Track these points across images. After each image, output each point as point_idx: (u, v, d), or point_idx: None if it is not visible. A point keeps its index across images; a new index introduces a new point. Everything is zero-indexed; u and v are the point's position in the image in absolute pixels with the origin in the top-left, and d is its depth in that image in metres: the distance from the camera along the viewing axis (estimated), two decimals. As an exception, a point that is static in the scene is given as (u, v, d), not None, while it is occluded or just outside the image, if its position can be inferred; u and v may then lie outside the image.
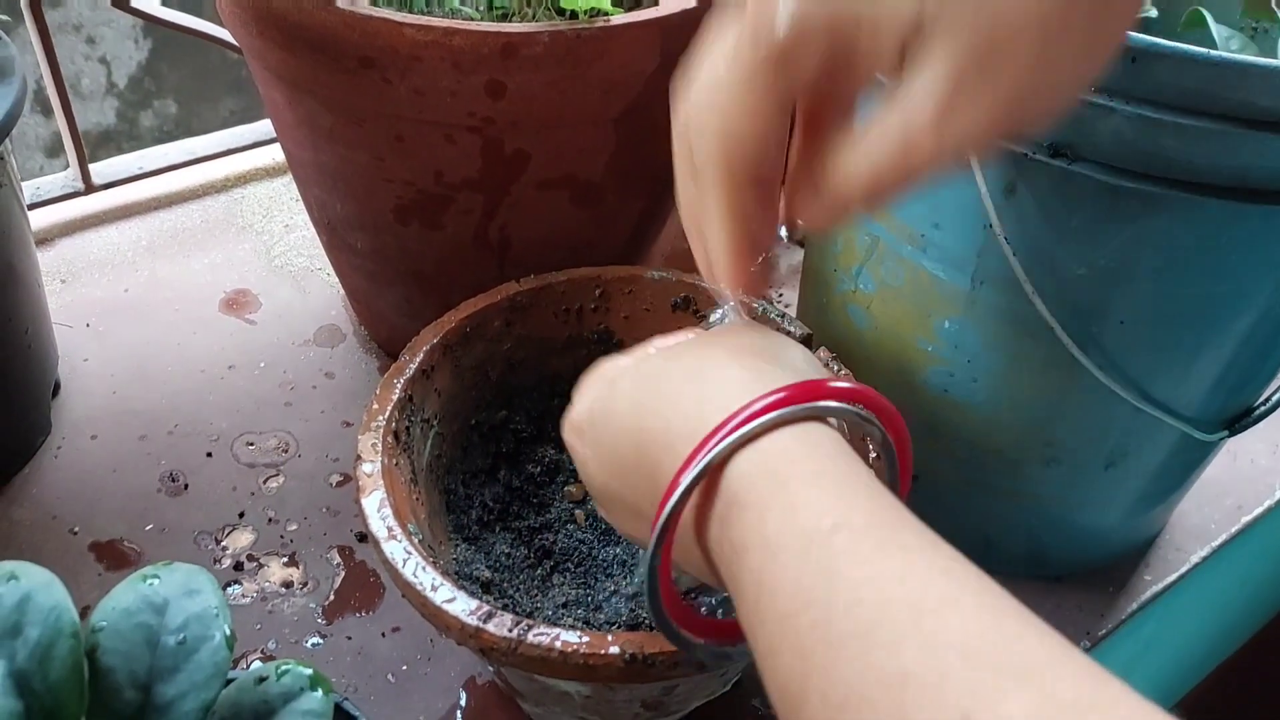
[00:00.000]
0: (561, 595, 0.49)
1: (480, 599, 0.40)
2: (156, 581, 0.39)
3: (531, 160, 0.54)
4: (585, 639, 0.38)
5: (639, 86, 0.53)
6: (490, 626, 0.39)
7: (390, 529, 0.42)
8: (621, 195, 0.59)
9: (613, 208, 0.59)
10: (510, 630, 0.39)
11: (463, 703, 0.54)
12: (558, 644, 0.38)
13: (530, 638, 0.38)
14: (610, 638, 0.38)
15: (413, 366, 0.50)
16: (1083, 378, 0.51)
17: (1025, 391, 0.53)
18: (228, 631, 0.38)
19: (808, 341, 0.54)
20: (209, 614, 0.38)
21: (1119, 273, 0.47)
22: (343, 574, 0.60)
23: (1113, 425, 0.54)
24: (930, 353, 0.54)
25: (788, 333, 0.54)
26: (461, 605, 0.39)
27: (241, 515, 0.62)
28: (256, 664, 0.54)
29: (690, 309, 0.57)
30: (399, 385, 0.49)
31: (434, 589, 0.40)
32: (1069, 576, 0.63)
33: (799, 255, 0.84)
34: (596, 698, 0.43)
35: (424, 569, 0.41)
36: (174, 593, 0.39)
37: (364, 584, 0.59)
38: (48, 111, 1.66)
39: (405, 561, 0.41)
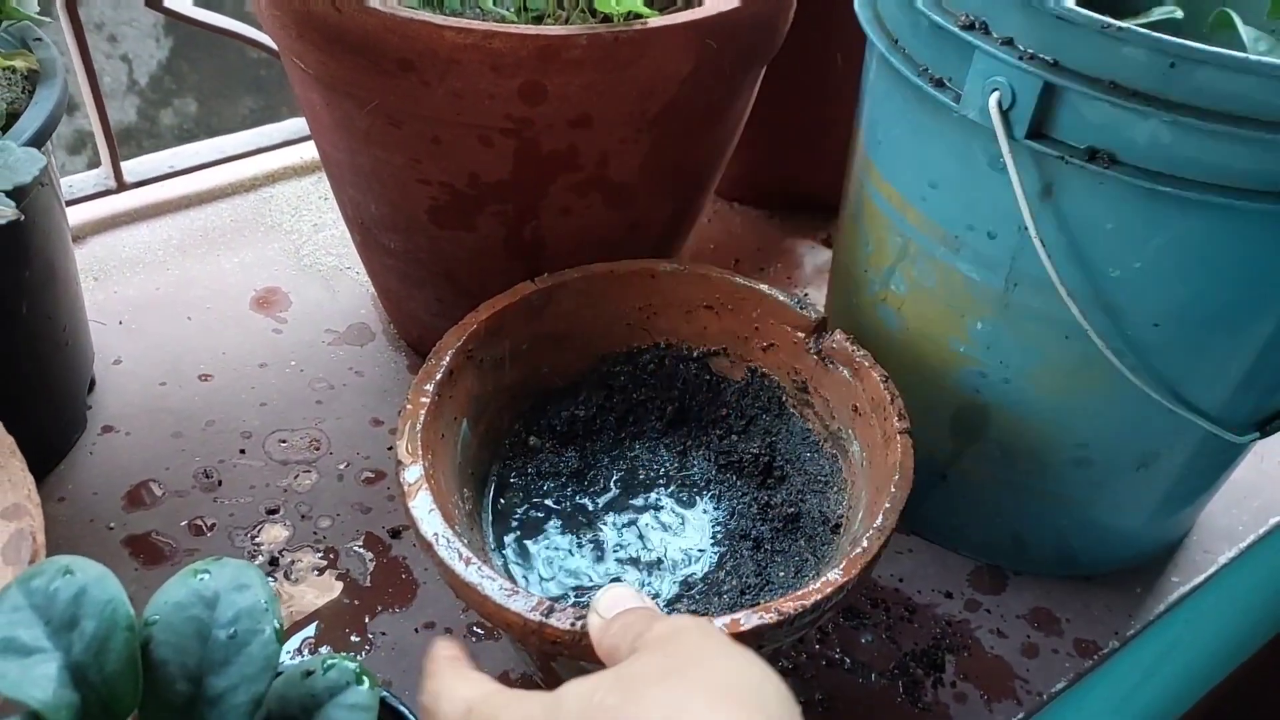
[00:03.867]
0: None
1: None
2: (207, 576, 0.39)
3: (566, 162, 0.55)
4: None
5: (674, 89, 0.54)
6: (553, 620, 0.39)
7: (441, 532, 0.43)
8: (653, 197, 0.60)
9: (644, 209, 0.60)
10: (574, 623, 0.39)
11: (497, 698, 0.54)
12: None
13: None
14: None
15: (440, 370, 0.50)
16: (1115, 380, 0.51)
17: (1057, 393, 0.53)
18: (277, 625, 0.39)
19: (822, 325, 0.54)
20: (259, 608, 0.39)
21: (1154, 275, 0.47)
22: (376, 570, 0.60)
23: (1144, 427, 0.54)
24: (962, 354, 0.55)
25: (805, 318, 0.54)
26: (522, 602, 0.40)
27: (274, 511, 0.63)
28: (301, 658, 0.55)
29: (706, 305, 0.57)
30: (429, 389, 0.49)
31: (494, 588, 0.41)
32: (1097, 576, 0.63)
33: (825, 255, 0.84)
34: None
35: (480, 569, 0.41)
36: (224, 587, 0.39)
37: (396, 579, 0.60)
38: (71, 109, 1.67)
39: (462, 562, 0.42)
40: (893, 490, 0.46)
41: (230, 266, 0.79)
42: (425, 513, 0.44)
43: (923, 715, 0.56)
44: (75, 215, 0.81)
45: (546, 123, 0.52)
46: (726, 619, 0.40)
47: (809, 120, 0.82)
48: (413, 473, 0.46)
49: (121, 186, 0.81)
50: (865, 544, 0.44)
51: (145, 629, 0.38)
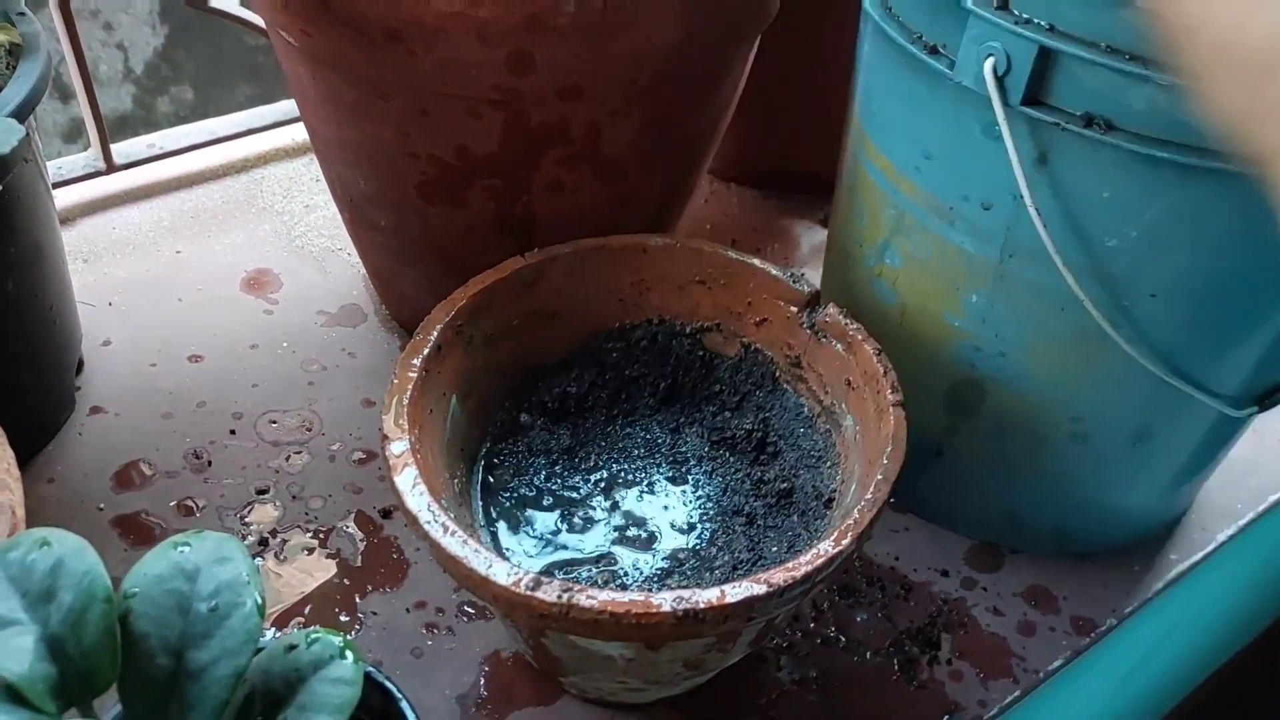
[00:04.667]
0: (587, 574, 0.49)
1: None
2: (188, 549, 0.39)
3: (556, 135, 0.54)
4: (635, 598, 0.38)
5: (664, 59, 0.53)
6: (540, 594, 0.39)
7: (427, 505, 0.42)
8: (645, 171, 0.59)
9: (636, 184, 0.59)
10: (560, 595, 0.39)
11: (487, 678, 0.54)
12: (608, 606, 0.38)
13: (581, 601, 0.38)
14: (659, 596, 0.39)
15: (428, 346, 0.50)
16: (1112, 352, 0.50)
17: (1053, 366, 0.53)
18: (259, 599, 0.38)
19: (815, 300, 0.54)
20: (240, 581, 0.38)
21: (1151, 245, 0.47)
22: (367, 550, 0.60)
23: (1141, 401, 0.53)
24: (957, 327, 0.54)
25: (798, 292, 0.54)
26: (508, 574, 0.40)
27: (265, 492, 0.62)
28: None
29: (698, 280, 0.56)
30: (416, 364, 0.49)
31: (479, 561, 0.40)
32: (1094, 554, 0.63)
33: (822, 235, 0.83)
34: (640, 659, 0.43)
35: (465, 542, 0.41)
36: (205, 560, 0.39)
37: (388, 560, 0.59)
38: (66, 97, 1.66)
39: (446, 535, 0.41)
40: (885, 462, 0.45)
41: (221, 248, 0.79)
42: (410, 486, 0.43)
43: (918, 693, 0.55)
44: (64, 197, 0.80)
45: (535, 94, 0.52)
46: (715, 591, 0.40)
47: (804, 98, 0.81)
48: (398, 447, 0.45)
49: (111, 168, 0.81)
50: (857, 515, 0.43)
51: (124, 601, 0.37)
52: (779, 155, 0.85)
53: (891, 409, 0.47)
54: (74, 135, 1.65)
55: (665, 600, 0.39)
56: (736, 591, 0.40)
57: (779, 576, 0.40)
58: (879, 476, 0.45)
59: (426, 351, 0.49)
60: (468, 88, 0.52)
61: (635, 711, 0.53)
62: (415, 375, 0.48)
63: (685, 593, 0.40)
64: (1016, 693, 0.56)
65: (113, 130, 0.81)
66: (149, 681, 0.36)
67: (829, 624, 0.58)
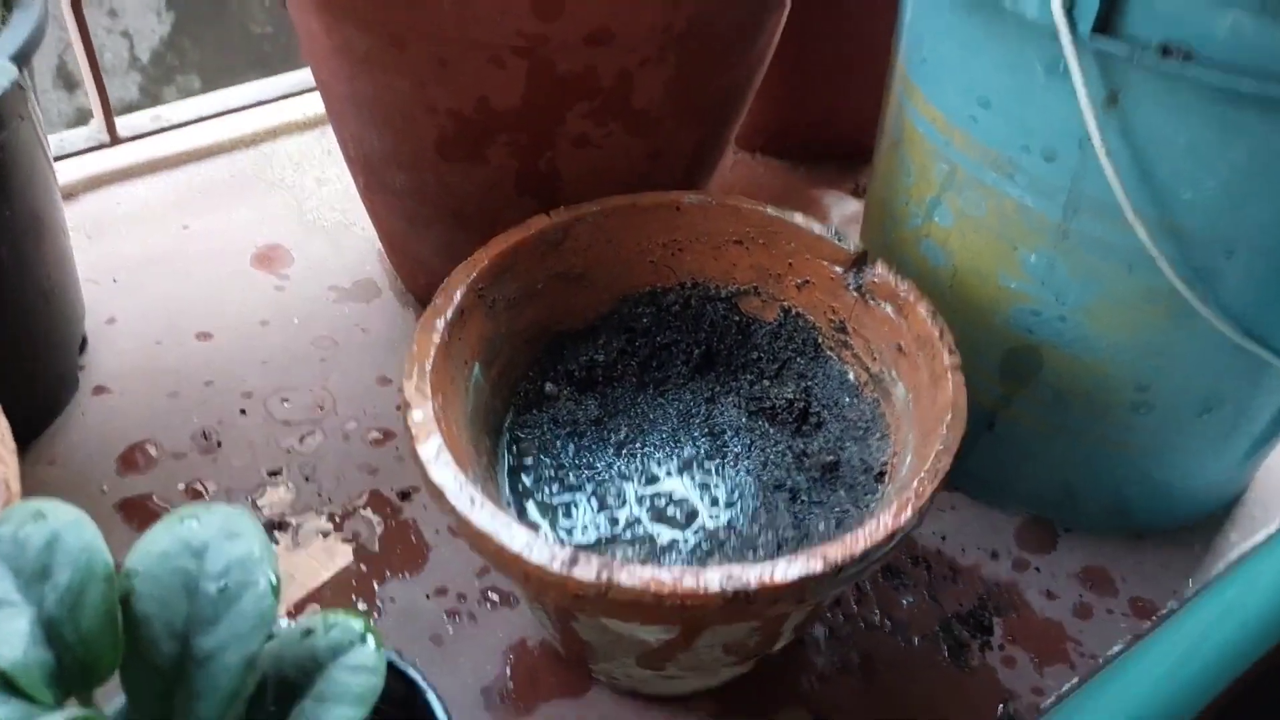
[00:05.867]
0: (623, 554, 0.46)
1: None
2: (195, 524, 0.35)
3: (584, 85, 0.51)
4: (680, 576, 0.35)
5: (699, 3, 0.49)
6: (577, 571, 0.36)
7: (454, 475, 0.39)
8: (677, 126, 0.55)
9: (669, 138, 0.56)
10: (599, 573, 0.35)
11: (513, 667, 0.51)
12: (651, 584, 0.35)
13: (621, 579, 0.35)
14: (707, 574, 0.35)
15: (450, 308, 0.46)
16: (1183, 314, 0.47)
17: (1118, 330, 0.49)
18: (273, 579, 0.35)
19: (862, 259, 0.50)
20: (251, 559, 0.35)
21: (1230, 197, 0.43)
22: (385, 534, 0.57)
23: (1211, 367, 0.50)
24: (1014, 290, 0.51)
25: (843, 251, 0.50)
26: (543, 551, 0.36)
27: (277, 473, 0.59)
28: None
29: (735, 240, 0.53)
30: (439, 327, 0.46)
31: (511, 536, 0.37)
32: (1152, 533, 0.59)
33: (854, 206, 0.80)
34: (678, 643, 0.40)
35: (496, 514, 0.38)
36: (214, 536, 0.35)
37: (406, 543, 0.56)
38: (71, 86, 1.64)
39: (474, 508, 0.38)
40: (944, 431, 0.42)
41: (230, 223, 0.76)
42: (434, 456, 0.40)
43: (969, 679, 0.52)
44: (66, 171, 0.77)
45: (562, 40, 0.48)
46: (766, 568, 0.37)
47: (835, 63, 0.78)
48: (421, 414, 0.42)
49: (115, 141, 0.78)
50: (916, 487, 0.40)
51: (126, 581, 0.34)
52: (808, 123, 0.82)
53: (950, 374, 0.44)
54: (80, 124, 1.62)
55: (714, 578, 0.36)
56: (791, 569, 0.36)
57: (836, 553, 0.37)
58: (939, 446, 0.41)
59: (448, 315, 0.46)
60: (490, 34, 0.48)
61: (670, 703, 0.50)
62: (437, 339, 0.45)
63: (735, 570, 0.36)
64: (1074, 680, 0.53)
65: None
66: (153, 669, 0.33)
67: (872, 607, 0.55)
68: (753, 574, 0.36)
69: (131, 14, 1.75)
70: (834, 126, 0.81)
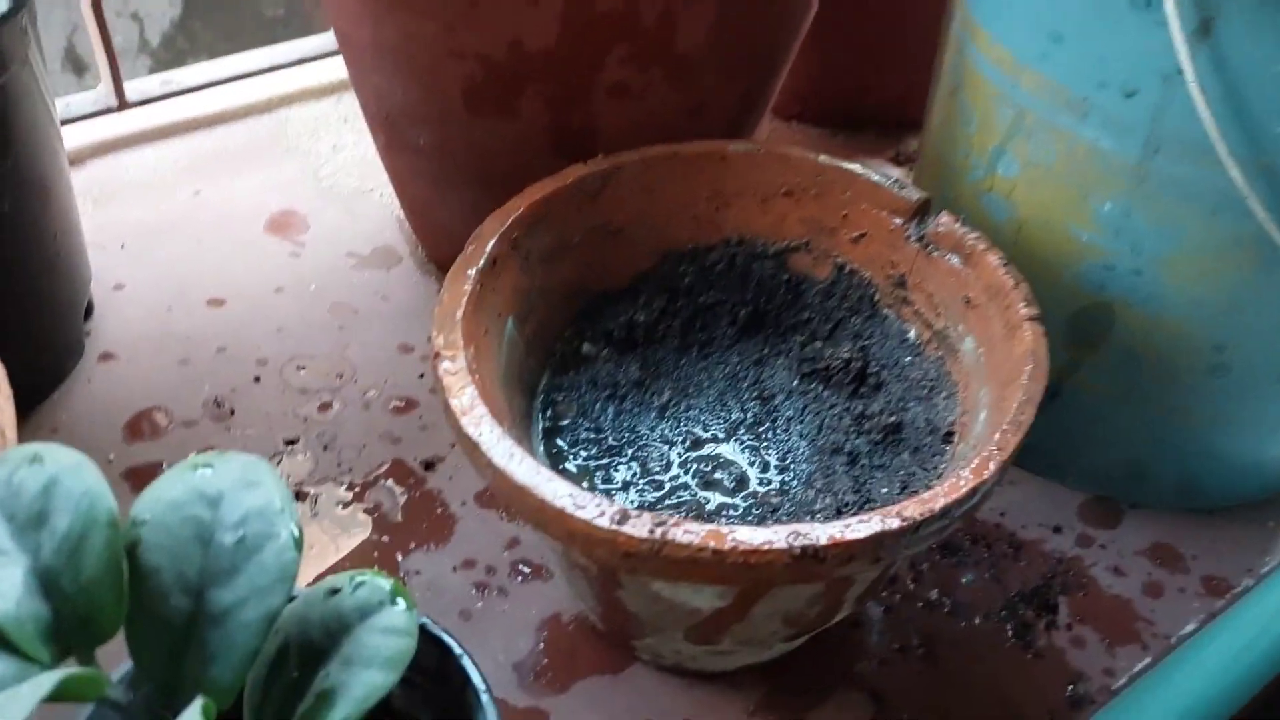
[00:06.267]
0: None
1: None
2: (209, 471, 0.32)
3: (624, 25, 0.48)
4: (743, 530, 0.32)
5: (749, -65, 0.46)
6: (628, 528, 0.32)
7: (490, 429, 0.36)
8: (722, 74, 0.52)
9: (712, 89, 0.52)
10: (652, 529, 0.32)
11: (546, 643, 0.48)
12: (710, 540, 0.32)
13: (678, 536, 0.32)
14: (770, 530, 0.32)
15: (482, 257, 0.43)
16: (1270, 264, 0.44)
17: (1199, 284, 0.46)
18: (295, 530, 0.32)
19: (925, 208, 0.47)
20: (272, 509, 0.32)
21: (1332, 129, 0.40)
22: (408, 504, 0.53)
23: (1298, 325, 0.46)
24: (1085, 242, 0.47)
25: (904, 200, 0.47)
26: (591, 507, 0.33)
27: (294, 442, 0.56)
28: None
29: (785, 191, 0.49)
30: (471, 275, 0.42)
31: (554, 491, 0.34)
32: (1222, 510, 0.56)
33: (894, 175, 0.76)
34: (732, 613, 0.37)
35: (539, 469, 0.34)
36: (230, 484, 0.32)
37: (431, 515, 0.53)
38: (80, 69, 1.61)
39: (513, 461, 0.35)
40: (1025, 381, 0.38)
41: (243, 189, 0.73)
42: (469, 407, 0.37)
43: (1036, 661, 0.49)
44: (73, 136, 0.74)
45: (603, -30, 0.45)
46: (837, 525, 0.33)
47: (874, 25, 0.74)
48: (453, 364, 0.39)
49: (123, 105, 0.75)
50: (998, 440, 0.36)
51: (133, 530, 0.31)
52: (846, 89, 0.78)
53: (1027, 324, 0.40)
54: (88, 106, 1.59)
55: (779, 535, 0.33)
56: (864, 525, 0.33)
57: (913, 509, 0.34)
58: (1021, 397, 0.38)
59: (481, 263, 0.43)
60: (525, -34, 0.45)
61: (716, 680, 0.46)
62: (469, 289, 0.42)
63: (802, 527, 0.33)
64: (1147, 660, 0.49)
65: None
66: (162, 625, 0.30)
67: (929, 586, 0.51)
68: (822, 531, 0.33)
69: (142, -2, 1.72)
70: (873, 93, 0.78)
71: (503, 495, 0.36)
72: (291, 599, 0.32)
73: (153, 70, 1.85)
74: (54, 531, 0.29)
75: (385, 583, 0.33)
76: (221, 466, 0.32)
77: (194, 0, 1.72)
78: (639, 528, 0.33)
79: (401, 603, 0.32)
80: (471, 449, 0.36)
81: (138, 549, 0.30)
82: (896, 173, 0.76)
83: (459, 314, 0.41)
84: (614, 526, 0.33)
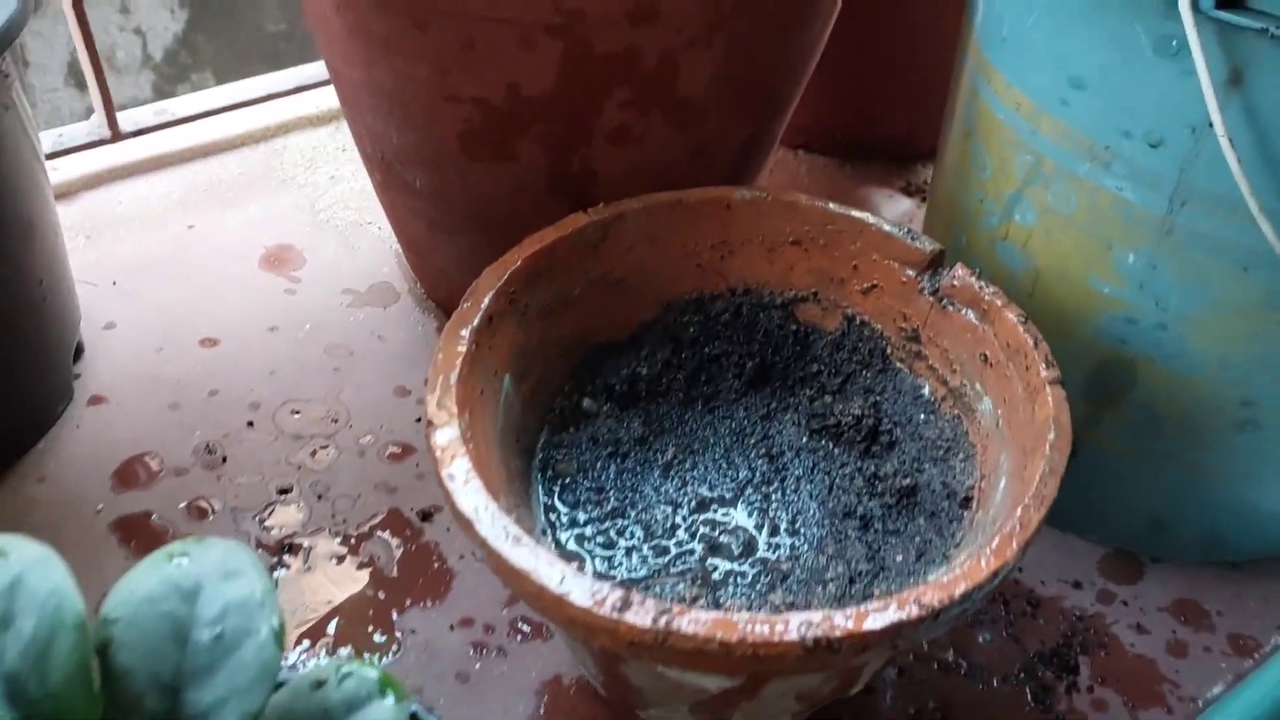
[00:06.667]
0: (674, 588, 0.41)
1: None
2: (185, 560, 0.31)
3: (624, 69, 0.46)
4: (752, 623, 0.30)
5: (756, -24, 0.45)
6: (630, 616, 0.31)
7: (485, 504, 0.34)
8: (725, 117, 0.50)
9: (714, 133, 0.51)
10: (656, 618, 0.30)
11: (547, 708, 0.46)
12: (718, 631, 0.30)
13: (682, 626, 0.30)
14: (782, 619, 0.30)
15: (477, 315, 0.41)
16: (1302, 321, 0.42)
17: (1225, 340, 0.44)
18: (276, 624, 0.30)
19: (938, 260, 0.45)
20: (252, 601, 0.30)
21: (1367, 184, 0.38)
22: (404, 558, 0.52)
23: (1330, 380, 0.44)
24: (1107, 295, 0.45)
25: (918, 251, 0.45)
26: (589, 592, 0.31)
27: (287, 491, 0.55)
28: (315, 663, 0.46)
29: (792, 240, 0.47)
30: (465, 336, 0.41)
31: (552, 575, 0.32)
32: (1246, 563, 0.54)
33: (905, 205, 0.75)
34: (742, 692, 0.35)
35: (535, 550, 0.33)
36: (208, 574, 0.31)
37: (428, 569, 0.51)
38: (83, 84, 1.59)
39: (511, 542, 0.33)
40: (1048, 451, 0.37)
41: (238, 222, 0.71)
42: (463, 482, 0.35)
43: (1056, 729, 0.47)
44: (65, 168, 0.73)
45: (602, 16, 0.44)
46: (851, 614, 0.31)
47: (883, 55, 0.73)
48: (446, 434, 0.37)
49: (117, 137, 0.73)
50: (1020, 516, 0.34)
51: (104, 629, 0.29)
52: (854, 119, 0.77)
53: (1048, 387, 0.39)
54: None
55: (792, 625, 0.31)
56: (881, 615, 0.31)
57: (932, 596, 0.32)
58: (1044, 468, 0.36)
59: (476, 322, 0.41)
60: (521, 10, 0.43)
61: (723, 751, 0.45)
62: (464, 350, 0.40)
63: (814, 616, 0.31)
64: (1172, 727, 0.47)
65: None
66: (135, 732, 0.28)
67: (945, 646, 0.49)
68: (838, 620, 0.31)
69: (144, 11, 1.71)
70: (881, 121, 0.76)
71: (499, 576, 0.34)
72: (279, 686, 0.31)
73: (156, 85, 1.83)
74: (19, 634, 0.28)
75: (372, 673, 0.31)
76: (199, 555, 0.31)
77: (197, 14, 1.71)
78: (642, 616, 0.31)
79: (391, 696, 0.30)
80: (466, 526, 0.35)
81: (110, 649, 0.29)
82: (907, 204, 0.74)
83: (453, 377, 0.39)
84: (615, 615, 0.31)
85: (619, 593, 0.32)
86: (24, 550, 0.28)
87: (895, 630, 0.31)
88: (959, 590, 0.32)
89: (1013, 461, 0.39)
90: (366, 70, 0.50)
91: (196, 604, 0.30)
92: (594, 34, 0.45)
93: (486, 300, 0.42)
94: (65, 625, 0.28)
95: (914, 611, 0.32)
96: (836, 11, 0.53)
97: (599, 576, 0.40)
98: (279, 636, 0.30)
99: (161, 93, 1.73)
